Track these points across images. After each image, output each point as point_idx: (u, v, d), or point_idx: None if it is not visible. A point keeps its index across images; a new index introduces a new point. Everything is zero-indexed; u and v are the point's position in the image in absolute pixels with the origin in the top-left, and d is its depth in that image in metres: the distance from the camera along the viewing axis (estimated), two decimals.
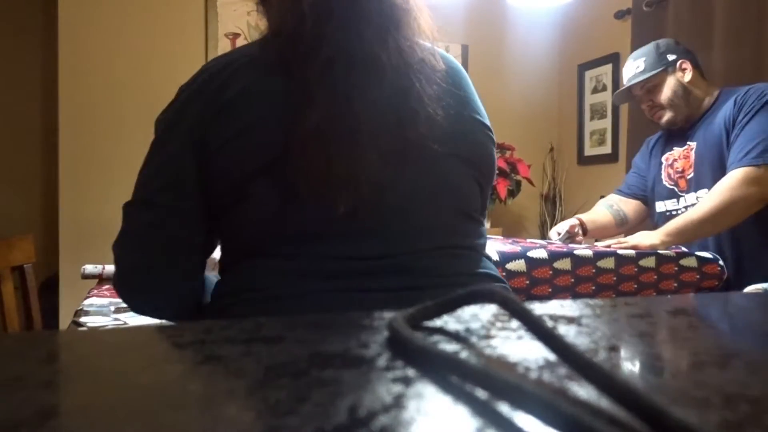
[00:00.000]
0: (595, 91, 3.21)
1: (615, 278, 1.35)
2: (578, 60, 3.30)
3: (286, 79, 0.74)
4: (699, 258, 1.45)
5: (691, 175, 1.68)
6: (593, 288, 1.33)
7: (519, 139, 3.17)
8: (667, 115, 1.72)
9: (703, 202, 1.51)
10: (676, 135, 1.76)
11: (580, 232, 1.76)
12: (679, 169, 1.72)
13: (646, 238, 1.50)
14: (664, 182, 1.77)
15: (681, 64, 1.71)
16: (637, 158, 1.94)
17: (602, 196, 2.02)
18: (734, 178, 1.49)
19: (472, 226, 0.83)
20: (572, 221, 1.78)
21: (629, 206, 1.88)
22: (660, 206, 1.78)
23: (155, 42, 2.75)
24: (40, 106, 3.10)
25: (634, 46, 2.44)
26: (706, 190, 1.61)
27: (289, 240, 0.73)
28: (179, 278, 0.79)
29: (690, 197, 1.68)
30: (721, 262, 1.47)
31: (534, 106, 3.44)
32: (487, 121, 0.86)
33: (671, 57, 1.71)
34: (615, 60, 3.03)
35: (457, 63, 0.88)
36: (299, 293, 0.71)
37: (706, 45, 2.25)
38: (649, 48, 1.76)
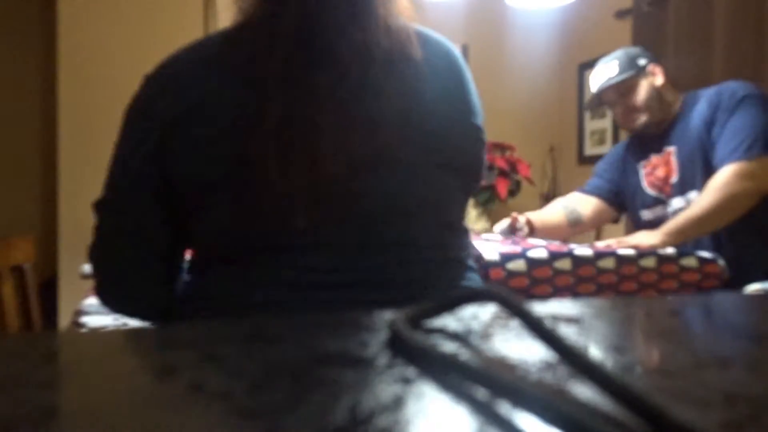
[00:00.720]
0: None
1: (616, 278, 1.35)
2: (578, 60, 3.30)
3: (248, 79, 0.68)
4: (700, 258, 1.45)
5: (675, 179, 1.67)
6: (594, 288, 1.33)
7: (519, 139, 3.17)
8: (642, 119, 1.70)
9: (701, 200, 1.51)
10: (649, 142, 1.74)
11: (525, 228, 1.74)
12: (662, 176, 1.71)
13: (646, 238, 1.50)
14: (647, 190, 1.75)
15: (652, 69, 1.71)
16: (603, 164, 1.90)
17: None
18: (727, 174, 1.49)
19: (454, 237, 0.76)
20: (514, 214, 1.76)
21: (588, 206, 1.85)
22: (646, 214, 1.76)
23: (155, 41, 2.74)
24: (40, 106, 3.10)
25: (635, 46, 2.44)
26: (695, 191, 1.60)
27: (259, 249, 0.69)
28: (152, 284, 0.77)
29: (677, 201, 1.67)
30: (721, 262, 1.47)
31: (534, 106, 3.44)
32: (477, 118, 0.77)
33: (642, 61, 1.71)
34: None
35: (445, 42, 0.78)
36: (270, 302, 0.67)
37: (706, 45, 2.25)
38: (619, 53, 1.75)
